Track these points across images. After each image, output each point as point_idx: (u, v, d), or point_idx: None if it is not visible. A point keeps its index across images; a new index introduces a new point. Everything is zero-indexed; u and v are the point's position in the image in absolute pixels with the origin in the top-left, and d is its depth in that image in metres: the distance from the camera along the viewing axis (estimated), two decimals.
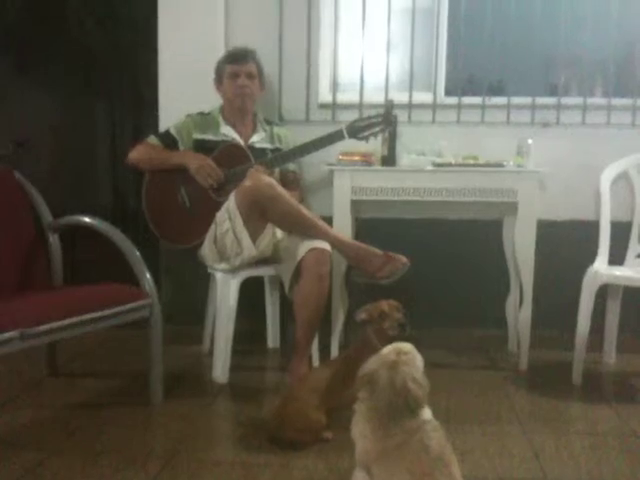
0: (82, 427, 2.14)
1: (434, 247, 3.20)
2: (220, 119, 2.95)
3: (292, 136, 3.04)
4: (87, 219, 2.45)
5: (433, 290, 3.23)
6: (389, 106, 2.77)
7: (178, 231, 2.85)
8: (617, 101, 3.19)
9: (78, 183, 3.56)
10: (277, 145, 3.00)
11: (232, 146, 2.86)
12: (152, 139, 2.94)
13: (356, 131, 2.74)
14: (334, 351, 2.80)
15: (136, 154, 2.90)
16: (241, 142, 2.91)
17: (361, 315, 2.16)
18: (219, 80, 2.95)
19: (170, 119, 3.08)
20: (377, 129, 2.74)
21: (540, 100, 3.22)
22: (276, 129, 3.05)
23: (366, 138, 2.75)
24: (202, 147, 2.87)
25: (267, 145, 2.97)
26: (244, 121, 2.97)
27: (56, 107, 3.52)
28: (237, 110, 2.93)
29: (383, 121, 2.74)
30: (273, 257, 2.68)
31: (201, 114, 2.98)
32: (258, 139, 2.96)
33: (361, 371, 1.53)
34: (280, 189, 2.52)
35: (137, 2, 3.34)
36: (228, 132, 2.92)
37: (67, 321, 2.02)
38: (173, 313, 3.09)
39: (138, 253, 2.32)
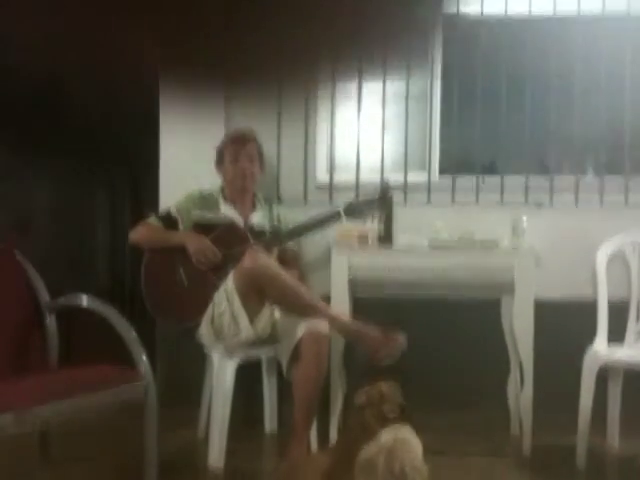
0: None
1: (433, 327, 3.18)
2: (220, 199, 2.99)
3: (291, 215, 3.08)
4: (84, 300, 2.45)
5: (432, 371, 3.19)
6: (385, 188, 2.83)
7: (174, 310, 2.84)
8: (609, 180, 3.25)
9: (77, 264, 3.58)
10: (276, 224, 3.03)
11: (231, 227, 2.90)
12: (152, 220, 2.97)
13: (353, 212, 2.79)
14: (333, 434, 2.74)
15: (136, 235, 2.93)
16: (240, 222, 2.94)
17: (360, 398, 2.12)
18: (220, 161, 3.01)
19: (170, 201, 3.12)
20: (373, 211, 2.79)
21: (533, 179, 3.28)
22: (275, 208, 3.10)
23: (363, 219, 2.80)
24: (201, 227, 2.90)
25: (266, 225, 3.00)
26: (244, 201, 3.01)
27: (57, 189, 3.58)
28: (237, 191, 2.98)
29: (379, 203, 2.80)
30: (271, 337, 2.67)
31: (201, 193, 3.02)
32: (257, 219, 3.00)
33: (359, 458, 1.49)
34: (278, 269, 2.54)
35: (140, 91, 3.44)
36: (228, 212, 2.96)
37: (61, 403, 1.99)
38: (168, 395, 3.03)
39: (135, 334, 2.31)
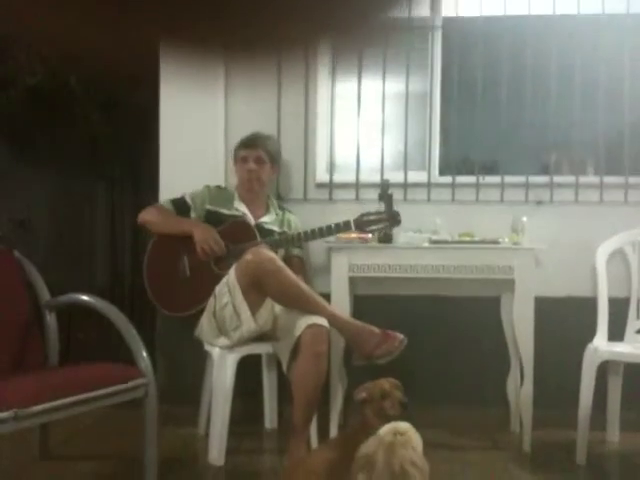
0: None
1: (433, 325, 3.19)
2: (235, 195, 3.03)
3: (301, 224, 3.09)
4: (84, 298, 2.45)
5: (432, 368, 3.19)
6: (390, 201, 2.85)
7: (174, 299, 2.86)
8: (609, 179, 3.26)
9: (77, 262, 3.58)
10: (286, 230, 3.04)
11: (241, 222, 2.92)
12: (166, 203, 3.01)
13: (363, 225, 2.81)
14: (333, 431, 2.74)
15: (147, 215, 2.96)
16: (251, 220, 2.96)
17: (361, 394, 2.12)
18: (235, 162, 3.07)
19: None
20: (383, 225, 2.81)
21: (533, 179, 3.29)
22: (287, 215, 3.11)
23: (372, 232, 2.82)
24: (213, 218, 2.93)
25: (276, 228, 3.02)
26: (256, 202, 3.04)
27: (57, 187, 3.58)
28: (247, 192, 3.02)
29: (389, 217, 2.81)
30: (271, 333, 2.67)
31: (218, 187, 3.07)
32: (268, 220, 3.02)
33: (359, 454, 1.50)
34: (280, 264, 2.55)
35: (140, 88, 3.45)
36: (241, 208, 2.99)
37: (61, 401, 1.99)
38: (168, 392, 3.04)
39: (135, 331, 2.31)
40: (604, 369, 2.73)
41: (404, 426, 1.53)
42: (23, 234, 3.53)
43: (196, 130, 3.29)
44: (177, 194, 3.07)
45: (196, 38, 0.55)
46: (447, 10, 3.39)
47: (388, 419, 1.84)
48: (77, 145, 3.57)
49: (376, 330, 2.49)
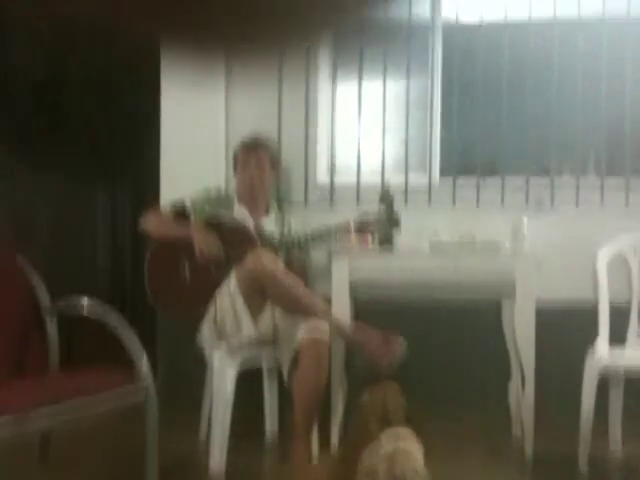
0: None
1: (434, 329, 3.18)
2: (235, 199, 3.02)
3: (302, 225, 3.09)
4: (85, 302, 2.44)
5: (432, 374, 3.18)
6: (390, 203, 2.84)
7: (174, 303, 2.86)
8: (610, 181, 3.25)
9: (77, 266, 3.58)
10: (286, 232, 3.04)
11: (240, 227, 2.91)
12: (165, 207, 3.01)
13: (363, 226, 2.80)
14: (334, 439, 2.73)
15: (147, 223, 2.95)
16: (251, 224, 2.95)
17: (363, 400, 2.11)
18: (235, 166, 3.06)
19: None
20: (382, 226, 2.81)
21: (534, 181, 3.27)
22: (287, 217, 3.11)
23: (372, 233, 2.81)
24: (213, 223, 2.91)
25: (276, 231, 3.01)
26: (256, 205, 3.02)
27: (58, 191, 3.58)
28: (247, 195, 3.00)
29: (389, 220, 2.81)
30: (272, 339, 2.66)
31: (218, 190, 3.05)
32: (268, 224, 3.01)
33: (361, 465, 1.49)
34: (280, 268, 2.55)
35: (140, 89, 3.45)
36: (240, 212, 2.97)
37: (61, 406, 1.99)
38: (169, 398, 3.03)
39: (135, 337, 2.31)
40: (606, 375, 2.71)
41: (405, 433, 1.52)
42: (25, 238, 3.52)
43: (197, 131, 3.29)
44: (178, 195, 3.06)
45: (196, 37, 0.55)
46: (447, 12, 3.38)
47: (390, 425, 1.83)
48: (78, 147, 3.57)
49: (377, 332, 2.49)
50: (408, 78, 3.34)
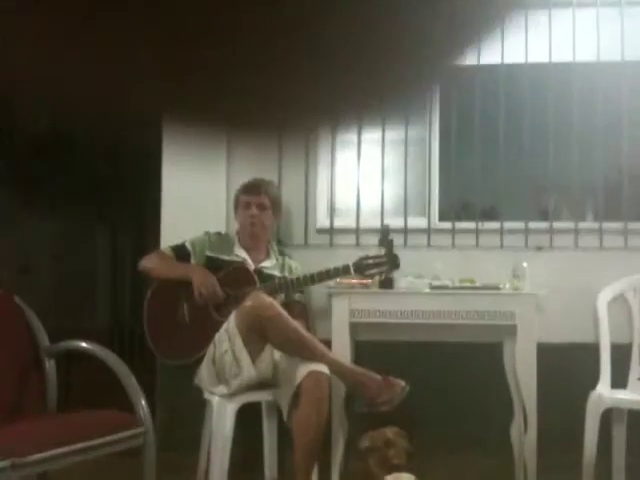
0: None
1: (434, 371, 3.15)
2: (236, 240, 3.03)
3: (302, 269, 3.09)
4: (83, 345, 2.44)
5: (434, 415, 3.15)
6: (390, 245, 2.86)
7: (173, 345, 2.85)
8: (608, 225, 3.27)
9: (77, 306, 3.58)
10: (286, 275, 3.04)
11: (240, 268, 2.92)
12: (166, 249, 3.01)
13: (363, 269, 2.81)
14: (334, 478, 2.69)
15: (148, 263, 2.96)
16: (251, 265, 2.96)
17: (364, 443, 2.10)
18: (235, 207, 3.07)
19: (172, 243, 3.13)
20: (383, 269, 2.82)
21: (533, 224, 3.30)
22: (288, 261, 3.11)
23: (372, 276, 2.82)
24: (213, 264, 2.92)
25: (276, 273, 3.01)
26: (257, 247, 3.03)
27: (58, 233, 3.60)
28: (249, 237, 3.01)
29: (388, 261, 2.82)
30: (271, 380, 2.65)
31: (218, 234, 3.07)
32: (269, 266, 3.02)
33: None
34: (280, 310, 2.54)
35: (142, 134, 3.49)
36: (241, 254, 2.99)
37: (60, 450, 1.97)
38: (167, 439, 2.99)
39: (134, 379, 2.30)
40: (608, 416, 2.70)
41: (407, 477, 1.50)
42: (24, 279, 3.53)
43: (198, 175, 3.32)
44: (178, 239, 3.07)
45: (197, 113, 0.56)
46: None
47: (392, 469, 1.82)
48: (79, 190, 3.60)
49: (377, 377, 2.48)
50: (407, 124, 3.40)
